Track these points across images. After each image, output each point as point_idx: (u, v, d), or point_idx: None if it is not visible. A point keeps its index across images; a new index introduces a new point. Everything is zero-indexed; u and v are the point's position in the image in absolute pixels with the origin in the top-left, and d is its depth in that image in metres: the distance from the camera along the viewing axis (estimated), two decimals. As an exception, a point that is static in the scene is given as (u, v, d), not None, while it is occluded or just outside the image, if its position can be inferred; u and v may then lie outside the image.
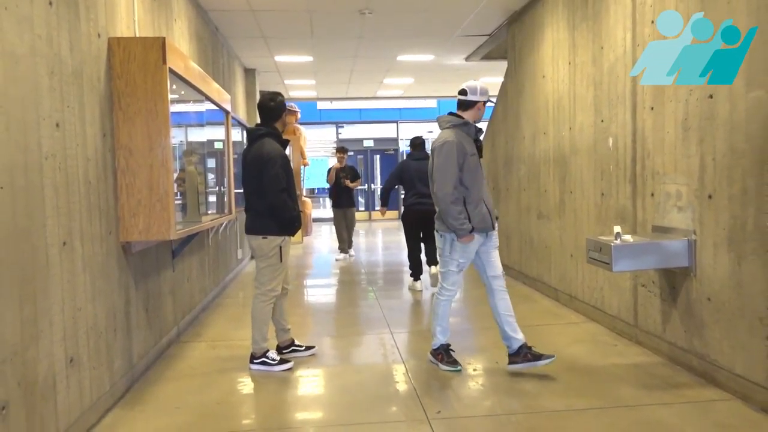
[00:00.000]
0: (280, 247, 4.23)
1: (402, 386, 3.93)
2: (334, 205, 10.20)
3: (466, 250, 3.98)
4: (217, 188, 6.11)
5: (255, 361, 4.25)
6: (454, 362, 4.12)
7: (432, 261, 6.85)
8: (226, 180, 6.24)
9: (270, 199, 4.13)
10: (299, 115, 14.34)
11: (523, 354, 3.97)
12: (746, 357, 3.40)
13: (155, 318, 4.50)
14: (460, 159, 3.89)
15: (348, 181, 9.91)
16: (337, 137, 20.00)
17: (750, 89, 3.29)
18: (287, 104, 15.85)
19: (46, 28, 2.88)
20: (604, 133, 5.02)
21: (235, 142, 6.94)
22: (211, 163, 5.94)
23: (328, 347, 4.98)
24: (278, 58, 9.72)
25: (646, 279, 4.40)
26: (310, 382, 4.13)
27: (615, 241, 3.87)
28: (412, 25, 7.85)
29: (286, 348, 4.51)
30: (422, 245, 7.07)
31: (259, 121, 4.43)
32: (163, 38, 3.77)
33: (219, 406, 3.68)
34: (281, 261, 4.25)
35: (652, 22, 4.24)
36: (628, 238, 3.98)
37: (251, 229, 4.29)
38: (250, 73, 10.41)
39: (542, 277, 6.54)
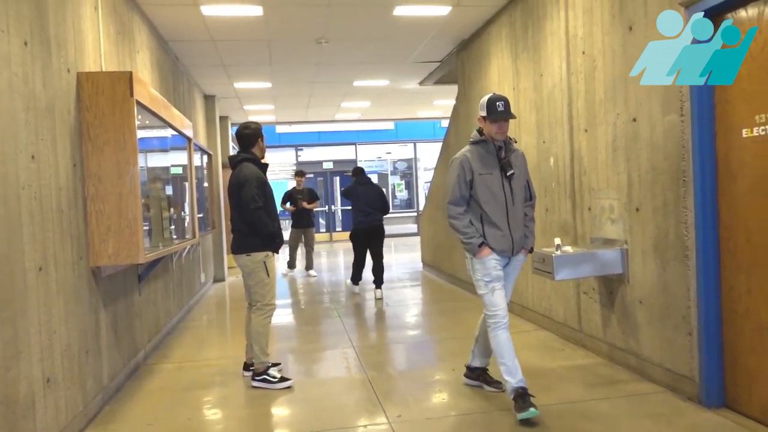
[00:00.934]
0: (264, 263, 4.44)
1: (364, 394, 4.16)
2: (293, 225, 10.75)
3: (485, 266, 3.69)
4: (182, 213, 6.26)
5: (257, 378, 4.41)
6: (528, 407, 3.46)
7: (378, 283, 7.89)
8: (188, 205, 6.40)
9: (246, 216, 4.38)
10: (259, 140, 14.57)
11: (477, 374, 4.12)
12: (673, 352, 3.77)
13: (124, 340, 4.63)
14: (467, 175, 3.70)
15: (305, 203, 10.29)
16: (297, 160, 20.21)
17: (665, 113, 3.71)
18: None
19: (22, 67, 3.07)
20: (546, 153, 5.42)
21: (196, 167, 7.12)
22: (172, 188, 6.11)
23: (292, 362, 5.17)
24: (237, 85, 9.94)
25: (588, 287, 4.77)
26: (276, 395, 4.32)
27: (556, 252, 4.22)
28: (367, 52, 8.21)
29: (251, 365, 4.58)
30: (373, 261, 8.05)
31: (237, 149, 4.74)
32: (130, 72, 3.98)
33: (190, 422, 3.85)
34: (268, 276, 4.46)
35: (583, 52, 4.67)
36: (568, 249, 4.35)
37: (235, 248, 4.52)
38: (209, 100, 10.59)
39: (496, 290, 6.88)
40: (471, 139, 3.84)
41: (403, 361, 5.29)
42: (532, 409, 3.45)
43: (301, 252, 10.90)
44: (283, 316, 7.75)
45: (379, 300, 7.68)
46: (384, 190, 9.01)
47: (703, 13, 3.34)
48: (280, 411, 4.11)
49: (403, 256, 13.25)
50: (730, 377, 3.47)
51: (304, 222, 10.51)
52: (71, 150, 3.72)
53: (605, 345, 4.57)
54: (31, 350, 3.02)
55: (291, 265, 10.82)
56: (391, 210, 8.67)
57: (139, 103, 4.13)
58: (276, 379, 4.37)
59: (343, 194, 8.35)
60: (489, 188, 3.70)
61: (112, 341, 4.34)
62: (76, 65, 3.88)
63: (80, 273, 3.75)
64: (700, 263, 3.51)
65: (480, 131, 3.80)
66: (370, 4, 6.14)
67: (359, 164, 8.51)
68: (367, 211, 7.73)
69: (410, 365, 5.17)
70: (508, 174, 3.72)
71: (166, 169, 5.77)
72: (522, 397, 3.51)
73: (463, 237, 3.70)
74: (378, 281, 7.85)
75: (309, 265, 10.55)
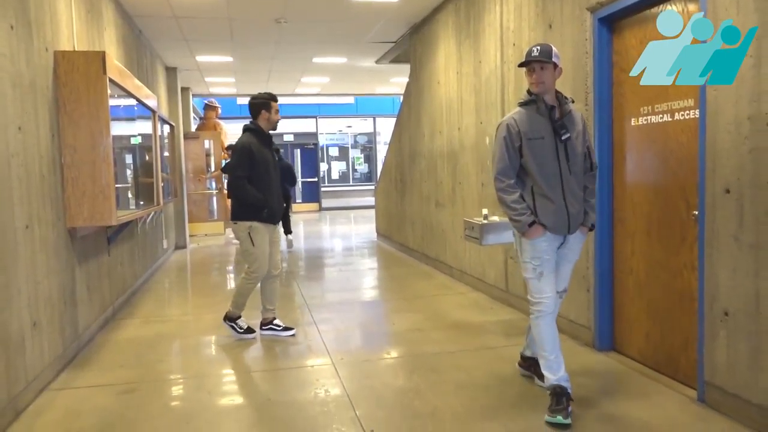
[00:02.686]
0: (249, 233, 4.60)
1: (313, 342, 4.74)
2: None
3: (535, 248, 3.20)
4: (150, 179, 6.66)
5: (226, 321, 4.85)
6: (559, 412, 3.06)
7: (286, 230, 10.03)
8: (154, 172, 6.81)
9: (229, 184, 4.67)
10: (219, 111, 14.81)
11: (529, 365, 3.73)
12: (575, 306, 4.46)
13: (95, 296, 5.09)
14: (515, 141, 3.20)
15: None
16: (258, 132, 20.43)
17: (575, 103, 4.32)
18: (207, 100, 16.29)
19: (9, 48, 3.47)
20: (483, 133, 6.03)
21: (159, 137, 7.49)
22: (138, 157, 6.49)
23: (252, 317, 5.72)
24: (199, 58, 10.23)
25: (514, 252, 5.42)
26: (236, 342, 4.86)
27: (483, 221, 4.85)
28: (325, 32, 8.64)
29: (265, 325, 4.90)
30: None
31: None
32: (104, 52, 4.38)
33: (160, 363, 4.38)
34: (253, 245, 4.61)
35: (514, 44, 5.26)
36: (495, 218, 4.98)
37: (231, 215, 4.80)
38: (171, 72, 10.84)
39: (440, 257, 7.54)
40: (519, 100, 3.34)
41: (350, 317, 5.88)
42: (559, 417, 3.02)
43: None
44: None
45: (288, 240, 10.10)
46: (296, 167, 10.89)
47: (599, 19, 3.96)
48: (239, 352, 4.65)
49: (361, 227, 13.85)
50: (617, 325, 4.18)
51: None
52: (50, 122, 4.13)
53: (526, 303, 5.24)
54: (21, 297, 3.48)
55: None
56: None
57: (111, 81, 4.54)
58: (241, 330, 4.82)
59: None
60: (540, 155, 3.18)
61: (86, 296, 4.80)
62: (53, 44, 4.26)
63: (59, 233, 4.19)
64: (596, 231, 4.17)
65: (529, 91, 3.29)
66: (327, -11, 6.58)
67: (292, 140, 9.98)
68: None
69: (356, 320, 5.76)
70: (563, 138, 3.18)
71: (131, 138, 6.15)
72: (558, 397, 3.11)
73: (511, 213, 3.19)
74: (287, 230, 10.04)
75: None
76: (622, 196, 4.07)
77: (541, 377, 3.33)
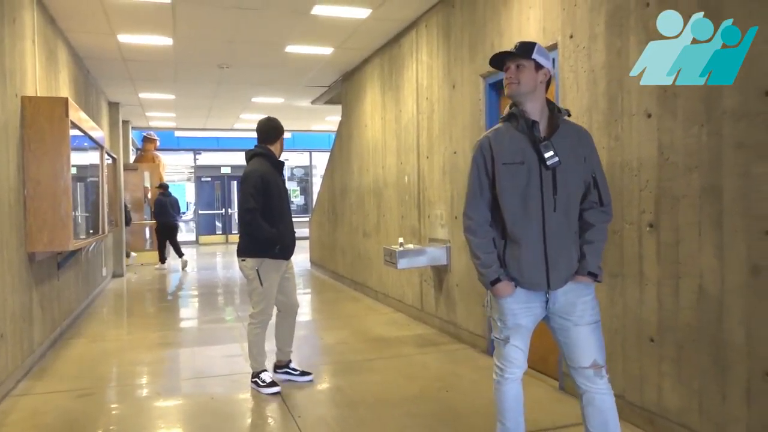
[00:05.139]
0: (257, 270, 4.14)
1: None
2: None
3: (503, 309, 2.54)
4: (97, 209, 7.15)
5: (252, 378, 4.32)
6: None
7: (179, 254, 12.28)
8: (100, 203, 7.30)
9: (239, 217, 4.15)
10: (158, 143, 15.23)
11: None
12: (475, 319, 5.32)
13: (47, 316, 5.55)
14: (487, 165, 2.54)
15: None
16: (195, 163, 20.82)
17: (471, 150, 5.25)
18: (146, 133, 16.91)
19: (-10, 97, 4.06)
20: (403, 172, 6.91)
21: (97, 165, 7.98)
22: (82, 188, 6.99)
23: (195, 332, 6.28)
24: (142, 95, 10.76)
25: (427, 275, 6.28)
26: (185, 359, 5.42)
27: (399, 248, 5.68)
28: (265, 76, 9.41)
29: (280, 368, 4.49)
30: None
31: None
32: (66, 99, 4.99)
33: (110, 374, 4.91)
34: (262, 285, 4.14)
35: (427, 98, 6.19)
36: (409, 246, 5.82)
37: (237, 250, 4.27)
38: (113, 106, 11.28)
39: (366, 282, 8.31)
40: (502, 115, 2.66)
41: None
42: None
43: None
44: (192, 303, 8.76)
45: (183, 262, 12.16)
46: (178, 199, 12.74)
47: (489, 84, 4.93)
48: (180, 362, 5.22)
49: (295, 257, 14.29)
50: (506, 334, 5.04)
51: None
52: (17, 158, 4.68)
53: (437, 319, 6.08)
54: (-8, 311, 4.00)
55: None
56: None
57: (71, 123, 5.13)
58: (264, 384, 4.24)
59: (156, 203, 12.17)
60: (516, 185, 2.47)
61: (40, 315, 5.28)
62: (21, 90, 4.84)
63: (20, 257, 4.71)
64: (489, 255, 5.06)
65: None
66: (266, 43, 7.37)
67: (161, 183, 12.80)
68: (170, 214, 12.08)
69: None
70: (548, 164, 2.43)
71: (85, 167, 6.66)
72: None
73: (475, 262, 2.56)
74: (179, 254, 12.27)
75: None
76: (508, 227, 4.99)
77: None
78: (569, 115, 2.57)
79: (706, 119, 2.93)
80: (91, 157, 6.96)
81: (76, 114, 5.40)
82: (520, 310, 2.54)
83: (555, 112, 2.54)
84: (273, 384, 4.24)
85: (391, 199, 7.31)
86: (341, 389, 4.34)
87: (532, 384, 4.33)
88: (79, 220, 6.30)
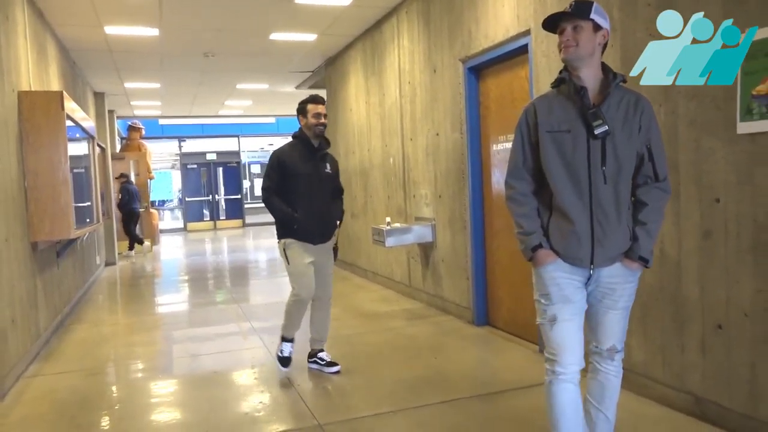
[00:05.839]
0: (285, 250, 4.19)
1: (245, 325, 5.65)
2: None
3: (545, 279, 2.40)
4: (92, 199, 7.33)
5: (309, 359, 4.44)
6: None
7: (140, 242, 12.70)
8: (93, 192, 7.48)
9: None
10: (143, 132, 15.29)
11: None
12: (460, 292, 5.62)
13: (50, 303, 5.77)
14: (531, 133, 2.41)
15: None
16: (180, 150, 20.87)
17: (453, 131, 5.52)
18: (131, 122, 16.99)
19: (-9, 93, 4.24)
20: (388, 154, 7.16)
21: (89, 155, 8.14)
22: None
23: (190, 313, 6.53)
24: (128, 85, 10.86)
25: (414, 253, 6.56)
26: (188, 332, 5.67)
27: (387, 227, 5.94)
28: (249, 63, 9.56)
29: (310, 357, 4.46)
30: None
31: None
32: (62, 92, 5.17)
33: (115, 354, 5.15)
34: (288, 263, 4.18)
35: (409, 82, 6.42)
36: (396, 225, 6.09)
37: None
38: (99, 96, 11.37)
39: (356, 262, 8.59)
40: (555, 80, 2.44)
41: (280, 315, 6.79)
42: None
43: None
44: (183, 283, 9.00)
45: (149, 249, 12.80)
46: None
47: (468, 68, 5.18)
48: (183, 342, 5.48)
49: (270, 242, 14.66)
50: (489, 305, 5.36)
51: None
52: (17, 151, 4.87)
53: (424, 294, 6.38)
54: (3, 297, 4.22)
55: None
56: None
57: (67, 116, 5.31)
58: (281, 353, 4.37)
59: (124, 191, 12.31)
60: (563, 156, 2.34)
61: (43, 302, 5.49)
62: (17, 85, 5.00)
63: (25, 246, 4.91)
64: (472, 232, 5.35)
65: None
66: (251, 31, 7.54)
67: (122, 173, 12.79)
68: (136, 201, 12.50)
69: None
70: (596, 133, 2.28)
71: (80, 157, 6.83)
72: None
73: (516, 230, 2.46)
74: (140, 241, 12.69)
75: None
76: (489, 202, 5.28)
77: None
78: (625, 81, 2.35)
79: (664, 99, 3.21)
80: (83, 148, 7.13)
81: (69, 105, 5.57)
82: (565, 280, 2.34)
83: (610, 77, 2.33)
84: (284, 360, 4.34)
85: (377, 180, 7.56)
86: (336, 360, 4.62)
87: (511, 349, 4.66)
88: (75, 210, 6.49)
